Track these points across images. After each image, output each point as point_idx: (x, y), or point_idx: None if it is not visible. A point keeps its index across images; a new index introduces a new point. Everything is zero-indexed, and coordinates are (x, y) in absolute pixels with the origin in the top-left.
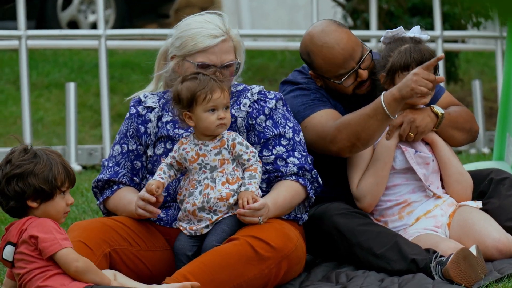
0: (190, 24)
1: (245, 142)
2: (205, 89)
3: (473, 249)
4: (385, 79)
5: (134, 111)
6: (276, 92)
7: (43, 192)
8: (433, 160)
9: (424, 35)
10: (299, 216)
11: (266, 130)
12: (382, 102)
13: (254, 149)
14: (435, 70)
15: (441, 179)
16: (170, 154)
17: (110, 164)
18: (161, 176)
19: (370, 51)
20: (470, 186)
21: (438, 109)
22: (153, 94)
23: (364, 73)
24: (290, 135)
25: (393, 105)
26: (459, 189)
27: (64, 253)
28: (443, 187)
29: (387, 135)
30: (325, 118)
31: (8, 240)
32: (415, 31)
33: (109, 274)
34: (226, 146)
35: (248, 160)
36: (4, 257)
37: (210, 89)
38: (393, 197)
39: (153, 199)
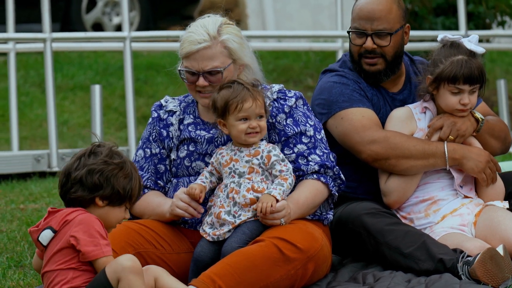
0: (191, 26)
1: (281, 155)
2: (237, 98)
3: (500, 249)
4: (430, 83)
5: (156, 115)
6: (296, 91)
7: (116, 196)
8: None
9: (480, 48)
10: (324, 214)
11: (287, 128)
12: (445, 150)
13: (289, 164)
14: (482, 85)
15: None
16: (210, 161)
17: None
18: (203, 180)
19: (391, 34)
20: (502, 191)
21: (478, 114)
22: (173, 98)
23: (369, 43)
24: (311, 133)
25: (450, 161)
26: (492, 193)
27: (104, 262)
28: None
29: (426, 137)
30: (367, 119)
31: (49, 224)
32: (473, 41)
33: (153, 271)
34: (259, 157)
35: (281, 171)
36: (39, 239)
37: (242, 99)
38: (420, 194)
39: (200, 208)
